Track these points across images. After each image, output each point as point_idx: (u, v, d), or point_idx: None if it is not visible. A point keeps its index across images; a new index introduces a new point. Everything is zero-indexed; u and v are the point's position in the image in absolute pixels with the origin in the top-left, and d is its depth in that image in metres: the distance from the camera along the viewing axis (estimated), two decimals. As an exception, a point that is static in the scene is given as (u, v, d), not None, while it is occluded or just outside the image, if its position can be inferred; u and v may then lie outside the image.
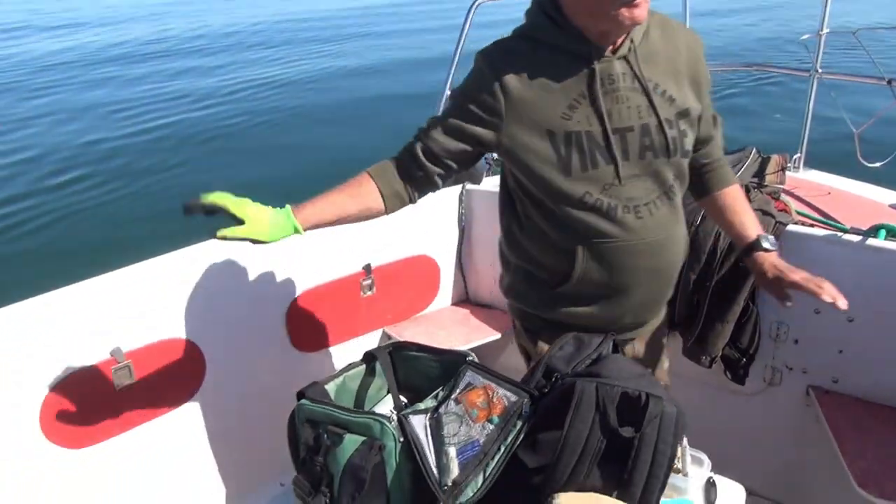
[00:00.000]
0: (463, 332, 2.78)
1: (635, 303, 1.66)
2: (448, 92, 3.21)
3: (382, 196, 1.67)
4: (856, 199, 2.77)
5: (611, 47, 1.51)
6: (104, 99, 11.69)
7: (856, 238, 2.17)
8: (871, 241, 2.15)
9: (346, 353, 2.64)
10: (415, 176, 1.69)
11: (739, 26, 15.35)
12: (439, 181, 1.71)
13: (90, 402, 2.07)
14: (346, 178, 1.74)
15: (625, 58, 1.51)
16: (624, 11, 1.40)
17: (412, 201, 1.73)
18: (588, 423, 1.31)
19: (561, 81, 1.52)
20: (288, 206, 1.59)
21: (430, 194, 2.78)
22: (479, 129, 1.59)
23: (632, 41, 1.52)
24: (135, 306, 2.13)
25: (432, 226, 2.82)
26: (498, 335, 2.75)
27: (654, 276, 1.65)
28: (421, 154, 1.65)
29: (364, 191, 1.66)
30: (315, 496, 1.42)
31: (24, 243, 6.35)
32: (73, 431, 2.05)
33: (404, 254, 2.75)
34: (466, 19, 3.15)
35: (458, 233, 2.90)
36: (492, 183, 3.06)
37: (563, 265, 1.62)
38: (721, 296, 2.23)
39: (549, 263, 1.67)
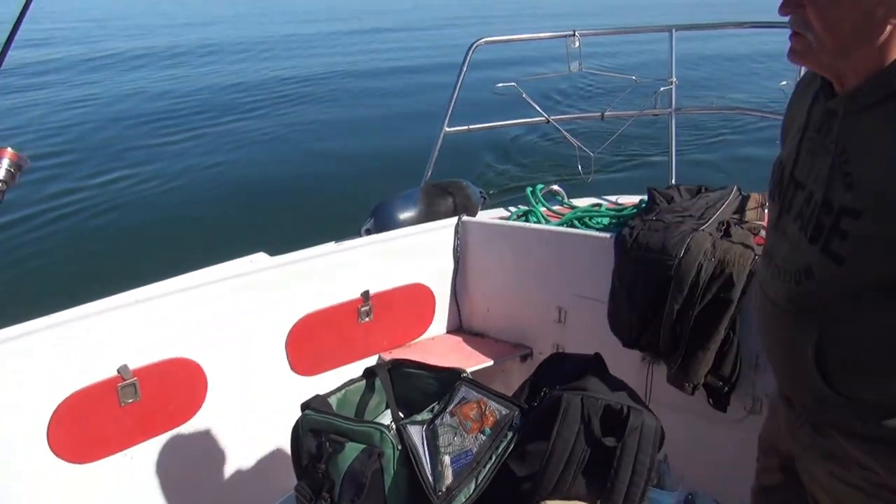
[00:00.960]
0: (456, 359, 2.86)
1: None
2: (446, 129, 3.37)
3: None
4: None
5: (840, 86, 1.13)
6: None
7: None
8: None
9: (343, 378, 2.71)
10: None
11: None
12: None
13: (96, 417, 2.15)
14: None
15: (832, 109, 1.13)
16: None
17: None
18: (574, 433, 1.40)
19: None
20: None
21: (427, 224, 2.91)
22: None
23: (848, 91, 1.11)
24: (142, 326, 2.22)
25: (428, 255, 2.92)
26: (490, 362, 2.84)
27: None
28: None
29: None
30: (317, 501, 1.50)
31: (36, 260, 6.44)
32: (80, 446, 2.13)
33: (401, 282, 2.85)
34: (466, 58, 3.31)
35: (452, 263, 3.00)
36: (486, 215, 3.19)
37: None
38: (703, 325, 2.33)
39: None
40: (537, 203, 3.24)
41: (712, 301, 2.31)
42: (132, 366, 2.18)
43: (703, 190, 2.75)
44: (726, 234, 2.40)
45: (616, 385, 1.49)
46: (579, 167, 3.72)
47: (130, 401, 2.19)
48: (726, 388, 2.40)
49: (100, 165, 9.07)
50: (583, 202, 3.32)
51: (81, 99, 13.27)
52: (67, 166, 9.09)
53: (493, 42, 3.49)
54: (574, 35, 3.40)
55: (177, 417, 2.32)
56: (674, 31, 3.53)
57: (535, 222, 3.07)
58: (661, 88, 3.57)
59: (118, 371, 2.17)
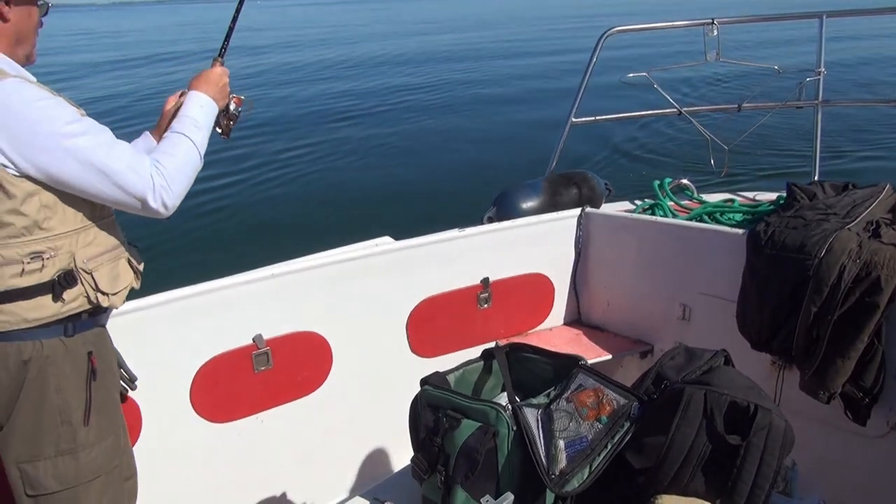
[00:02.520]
0: (574, 351, 2.83)
1: None
2: (573, 119, 3.33)
3: None
4: None
5: None
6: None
7: None
8: None
9: (460, 362, 2.78)
10: None
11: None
12: None
13: (233, 382, 2.32)
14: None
15: None
16: None
17: None
18: (694, 429, 1.36)
19: None
20: None
21: (550, 214, 2.89)
22: None
23: None
24: (276, 299, 2.37)
25: (550, 245, 2.92)
26: (608, 356, 2.80)
27: None
28: None
29: None
30: (431, 474, 1.55)
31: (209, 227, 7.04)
32: (218, 407, 2.31)
33: (521, 270, 2.87)
34: (596, 47, 3.26)
35: (574, 254, 2.98)
36: (611, 207, 3.13)
37: None
38: (843, 331, 2.18)
39: None
40: (665, 197, 3.14)
41: (855, 305, 2.15)
42: (266, 336, 2.34)
43: (850, 187, 2.55)
44: (875, 234, 2.22)
45: (743, 382, 1.43)
46: (712, 161, 3.56)
47: (263, 368, 2.35)
48: (867, 400, 2.24)
49: (262, 154, 9.85)
50: (714, 197, 3.19)
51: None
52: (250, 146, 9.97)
53: (626, 31, 3.41)
54: (713, 23, 3.26)
55: (304, 387, 2.46)
56: (824, 17, 3.29)
57: (661, 216, 2.98)
58: (808, 79, 3.34)
59: (253, 339, 2.33)
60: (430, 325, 2.71)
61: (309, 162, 9.43)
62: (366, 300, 2.56)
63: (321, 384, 2.50)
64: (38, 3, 1.56)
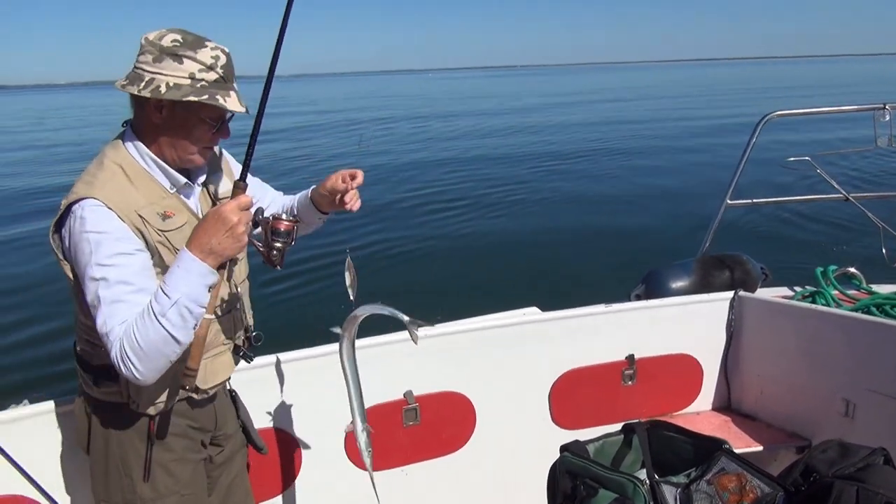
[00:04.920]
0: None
1: None
2: (728, 201, 3.30)
3: None
4: None
5: None
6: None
7: None
8: None
9: None
10: None
11: None
12: None
13: (383, 433, 2.47)
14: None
15: None
16: None
17: None
18: (845, 526, 1.32)
19: None
20: None
21: (701, 295, 2.85)
22: None
23: None
24: (427, 359, 2.52)
25: (700, 327, 2.86)
26: (759, 447, 2.67)
27: None
28: None
29: None
30: (567, 540, 1.59)
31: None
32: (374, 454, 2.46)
33: (668, 350, 2.83)
34: (755, 131, 3.24)
35: (725, 337, 2.90)
36: (767, 292, 3.03)
37: None
38: None
39: None
40: (828, 285, 3.00)
41: None
42: (416, 392, 2.49)
43: None
44: None
45: (902, 483, 1.36)
46: (883, 250, 3.35)
47: (411, 423, 2.49)
48: None
49: (418, 214, 10.44)
50: (885, 289, 2.99)
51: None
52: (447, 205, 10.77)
53: (787, 115, 3.36)
54: (884, 108, 3.14)
55: (448, 445, 2.57)
56: None
57: (823, 304, 2.84)
58: None
59: (404, 395, 2.48)
60: (572, 396, 2.74)
61: (462, 225, 9.82)
62: (511, 367, 2.65)
63: (464, 444, 2.60)
64: (207, 120, 1.55)
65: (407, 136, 22.35)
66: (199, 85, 1.50)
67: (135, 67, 1.54)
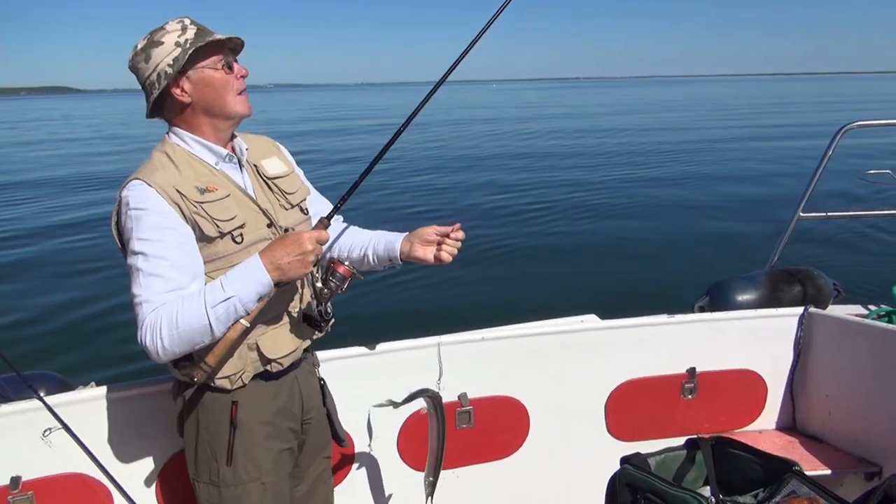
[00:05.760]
0: (785, 459, 2.64)
1: None
2: (801, 213, 3.18)
3: None
4: None
5: None
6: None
7: None
8: None
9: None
10: None
11: None
12: None
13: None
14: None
15: None
16: None
17: None
18: (927, 560, 1.24)
19: None
20: None
21: (768, 310, 2.76)
22: None
23: None
24: (483, 363, 2.50)
25: (766, 342, 2.76)
26: (827, 471, 2.55)
27: None
28: None
29: None
30: (624, 554, 1.55)
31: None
32: (421, 456, 2.45)
33: (731, 365, 2.74)
34: (833, 142, 3.11)
35: (792, 355, 2.79)
36: (839, 309, 2.91)
37: None
38: None
39: None
40: (906, 305, 2.86)
41: None
42: (470, 395, 2.48)
43: None
44: None
45: None
46: None
47: (465, 426, 2.48)
48: None
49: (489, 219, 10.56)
50: None
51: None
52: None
53: (867, 126, 3.22)
54: None
55: (501, 450, 2.55)
56: None
57: None
58: None
59: (458, 398, 2.47)
60: (629, 408, 2.68)
61: (524, 234, 9.79)
62: (567, 374, 2.61)
63: (517, 450, 2.57)
64: (215, 65, 1.64)
65: (482, 142, 22.94)
66: (188, 44, 1.62)
67: (143, 87, 1.66)
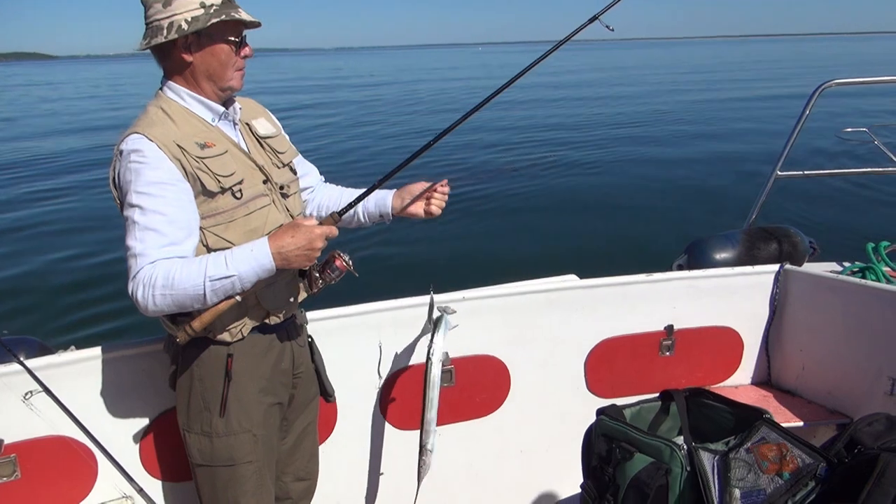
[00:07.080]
0: (760, 413, 2.70)
1: None
2: (778, 172, 3.21)
3: None
4: None
5: None
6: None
7: None
8: None
9: None
10: None
11: None
12: None
13: (419, 393, 2.49)
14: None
15: None
16: None
17: None
18: (889, 498, 1.28)
19: None
20: None
21: (745, 267, 2.79)
22: None
23: None
24: (464, 323, 2.52)
25: (742, 299, 2.81)
26: (799, 423, 2.62)
27: None
28: None
29: None
30: (601, 502, 1.59)
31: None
32: (404, 416, 2.49)
33: (708, 322, 2.79)
34: (810, 100, 3.13)
35: (768, 312, 2.84)
36: (814, 266, 2.95)
37: None
38: None
39: None
40: (879, 261, 2.91)
41: None
42: (451, 354, 2.50)
43: None
44: None
45: (952, 459, 1.32)
46: None
47: (446, 385, 2.50)
48: None
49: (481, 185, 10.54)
50: None
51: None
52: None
53: (846, 84, 3.23)
54: None
55: (482, 408, 2.59)
56: None
57: (873, 280, 2.76)
58: None
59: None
60: (608, 365, 2.73)
61: (515, 197, 9.81)
62: (547, 333, 2.64)
63: (498, 408, 2.61)
64: (228, 39, 1.65)
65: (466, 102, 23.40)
66: (212, 10, 1.60)
67: (148, 24, 1.62)
